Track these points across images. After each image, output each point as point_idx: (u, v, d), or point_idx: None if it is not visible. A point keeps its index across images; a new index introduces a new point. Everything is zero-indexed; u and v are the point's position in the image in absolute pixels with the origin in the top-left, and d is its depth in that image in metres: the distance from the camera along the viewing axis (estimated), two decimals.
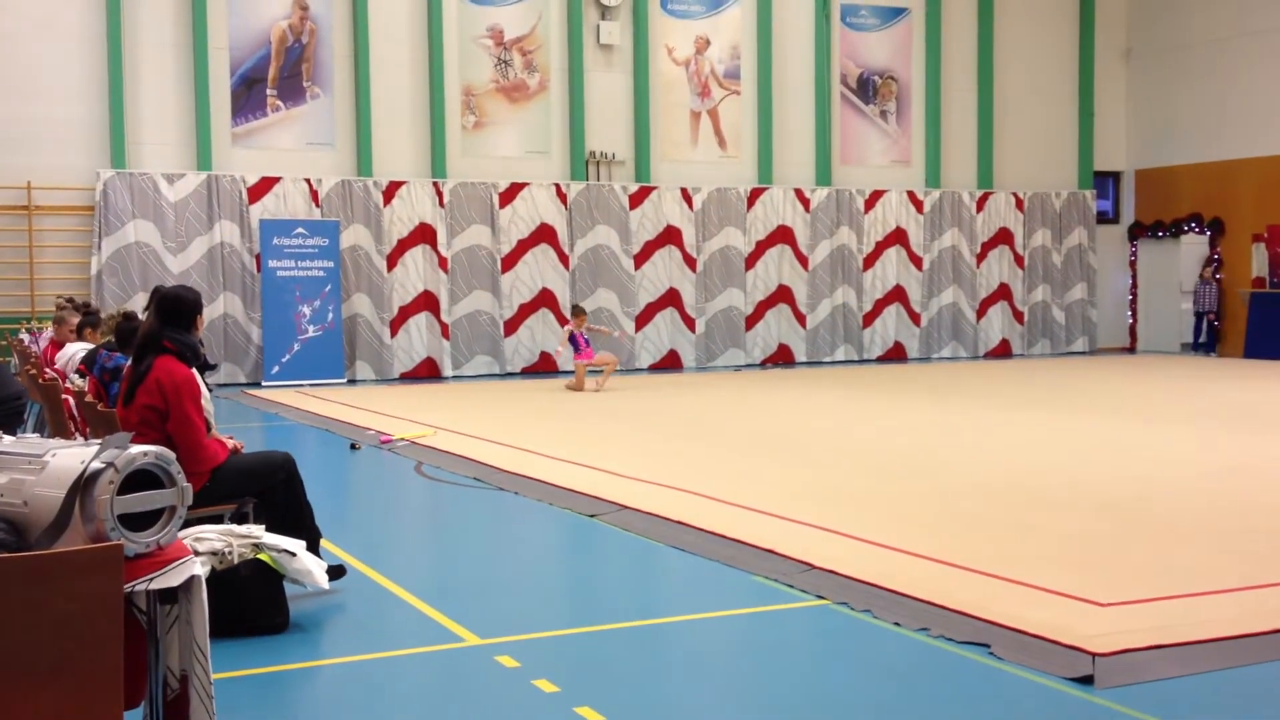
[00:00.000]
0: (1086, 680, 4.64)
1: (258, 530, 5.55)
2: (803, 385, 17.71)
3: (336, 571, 6.11)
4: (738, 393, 16.67)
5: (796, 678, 4.91)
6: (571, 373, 17.55)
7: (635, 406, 14.89)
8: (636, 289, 20.96)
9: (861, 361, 22.43)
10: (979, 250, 23.49)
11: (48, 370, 10.22)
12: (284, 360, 18.51)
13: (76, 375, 9.03)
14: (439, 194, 19.78)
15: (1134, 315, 24.96)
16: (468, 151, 20.28)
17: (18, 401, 7.82)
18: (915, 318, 22.99)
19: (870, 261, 22.65)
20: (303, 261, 18.64)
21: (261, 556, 5.40)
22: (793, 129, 22.36)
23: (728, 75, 21.97)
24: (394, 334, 19.56)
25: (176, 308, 5.97)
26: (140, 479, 3.17)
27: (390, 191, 19.53)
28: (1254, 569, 6.26)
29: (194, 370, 5.93)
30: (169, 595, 3.26)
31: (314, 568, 5.59)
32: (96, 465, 3.09)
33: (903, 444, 11.26)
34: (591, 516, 8.01)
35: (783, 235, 21.95)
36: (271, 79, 19.19)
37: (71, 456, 3.14)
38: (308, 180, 19.11)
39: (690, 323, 21.35)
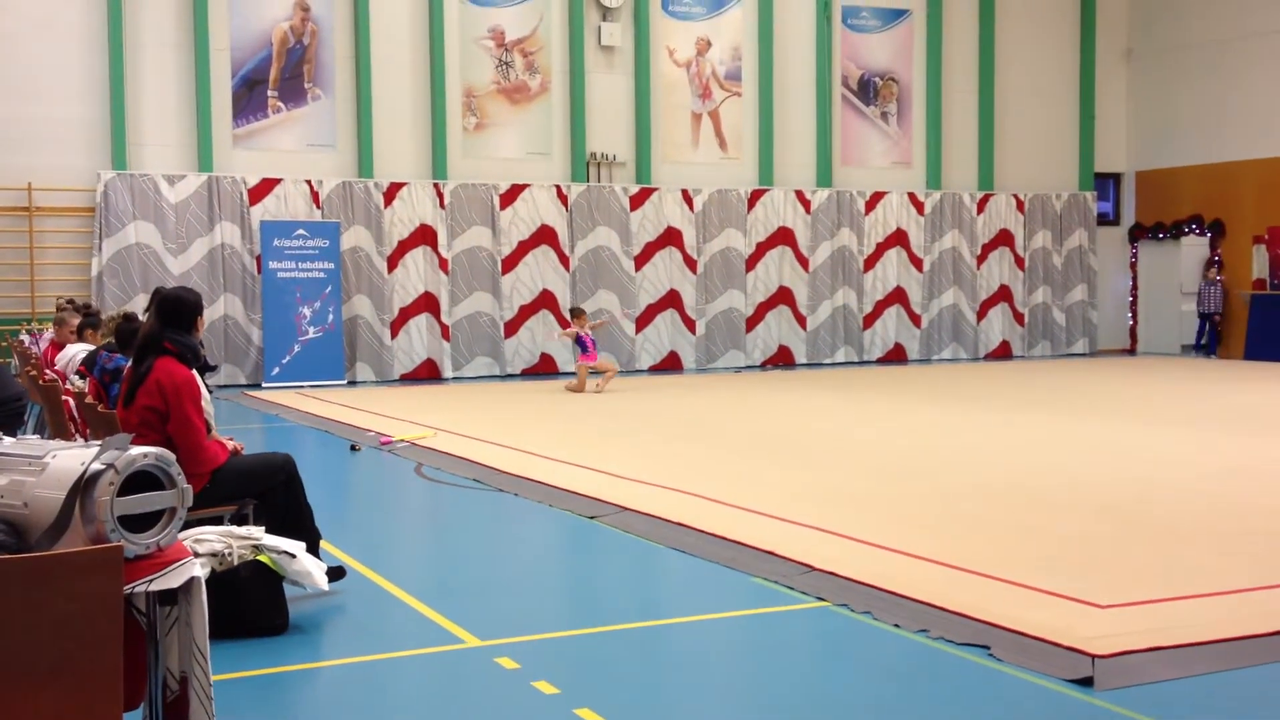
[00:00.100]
0: (1086, 682, 4.64)
1: (257, 532, 5.55)
2: (803, 387, 17.71)
3: (336, 573, 6.11)
4: (738, 394, 16.67)
5: (796, 679, 4.91)
6: (570, 374, 17.55)
7: (635, 408, 14.89)
8: (637, 290, 20.97)
9: (862, 363, 22.43)
10: (979, 252, 23.49)
11: (48, 371, 10.22)
12: (284, 361, 18.52)
13: (77, 376, 9.03)
14: (440, 195, 19.78)
15: (1134, 317, 24.96)
16: (468, 153, 20.28)
17: (18, 403, 7.83)
18: (915, 319, 23.00)
19: (871, 263, 22.65)
20: (303, 263, 18.65)
21: (261, 558, 5.41)
22: (793, 130, 22.37)
23: (729, 77, 21.98)
24: (394, 335, 19.57)
25: (177, 309, 5.97)
26: (140, 480, 3.18)
27: (391, 193, 19.54)
28: (1254, 571, 6.26)
29: (194, 371, 5.93)
30: (169, 597, 3.26)
31: (314, 569, 5.59)
32: (97, 467, 3.09)
33: (903, 445, 11.27)
34: (591, 518, 8.01)
35: (783, 237, 21.95)
36: (272, 80, 19.20)
37: (72, 458, 3.14)
38: (308, 181, 19.12)
39: (690, 324, 21.35)
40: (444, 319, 19.74)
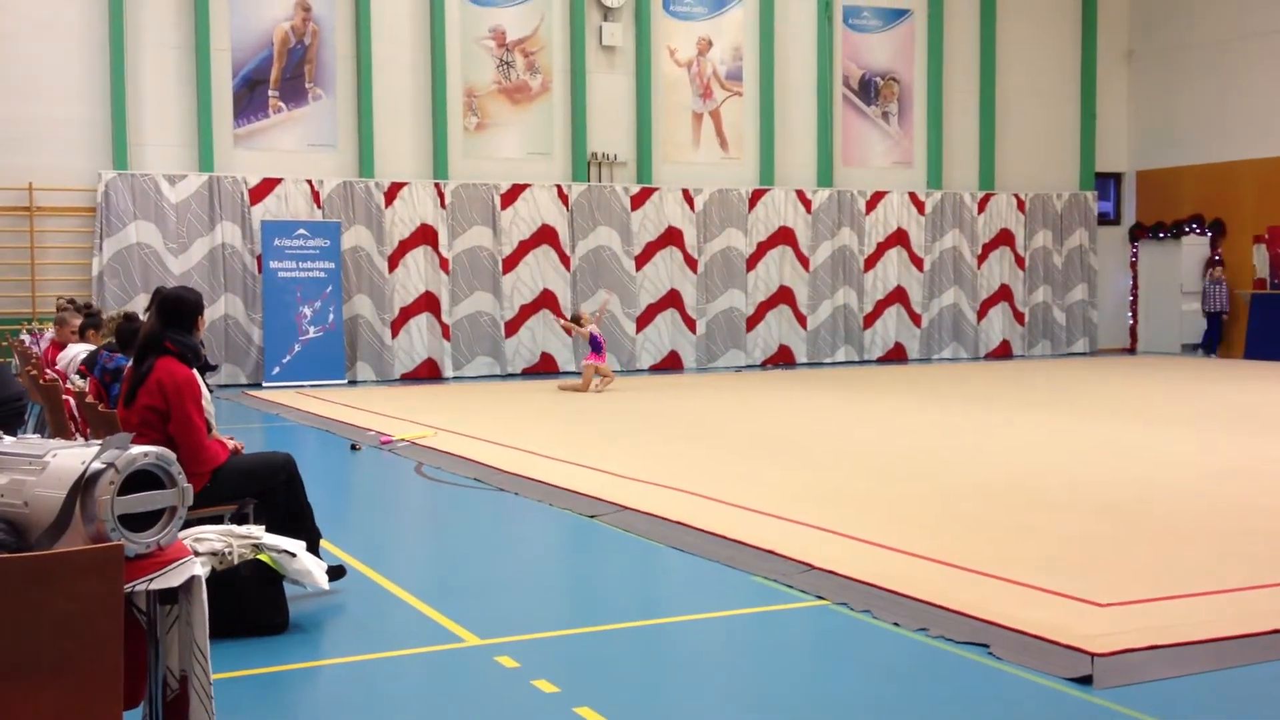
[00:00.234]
0: (1085, 680, 4.64)
1: (258, 531, 5.56)
2: (803, 386, 17.71)
3: (336, 572, 6.12)
4: (738, 394, 16.67)
5: (796, 678, 4.91)
6: (567, 374, 17.53)
7: (636, 407, 14.90)
8: (637, 290, 20.97)
9: (862, 362, 22.43)
10: (980, 251, 23.49)
11: (48, 371, 10.23)
12: (285, 361, 18.52)
13: (77, 376, 9.04)
14: (440, 195, 19.79)
15: (1135, 316, 24.96)
16: (469, 153, 20.29)
17: (18, 402, 7.83)
18: (916, 319, 23.00)
19: (871, 263, 22.65)
20: (304, 262, 18.65)
21: (261, 557, 5.41)
22: (794, 130, 22.37)
23: (729, 76, 21.98)
24: (395, 335, 19.57)
25: (178, 309, 5.98)
26: (141, 479, 3.18)
27: (392, 193, 19.54)
28: (1253, 570, 6.26)
29: (195, 371, 5.94)
30: (169, 595, 3.27)
31: (314, 568, 5.60)
32: (97, 466, 3.10)
33: (903, 445, 11.27)
34: (592, 517, 8.01)
35: (784, 236, 21.95)
36: (273, 80, 19.20)
37: (72, 457, 3.15)
38: (309, 181, 19.12)
39: (691, 323, 21.35)
40: (444, 319, 19.75)
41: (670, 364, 21.17)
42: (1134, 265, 24.95)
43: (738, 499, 8.26)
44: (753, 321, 21.80)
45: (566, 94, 20.76)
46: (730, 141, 22.02)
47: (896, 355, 22.80)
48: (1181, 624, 5.28)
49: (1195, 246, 23.70)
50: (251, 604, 5.34)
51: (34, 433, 9.98)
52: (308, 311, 18.60)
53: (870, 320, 22.66)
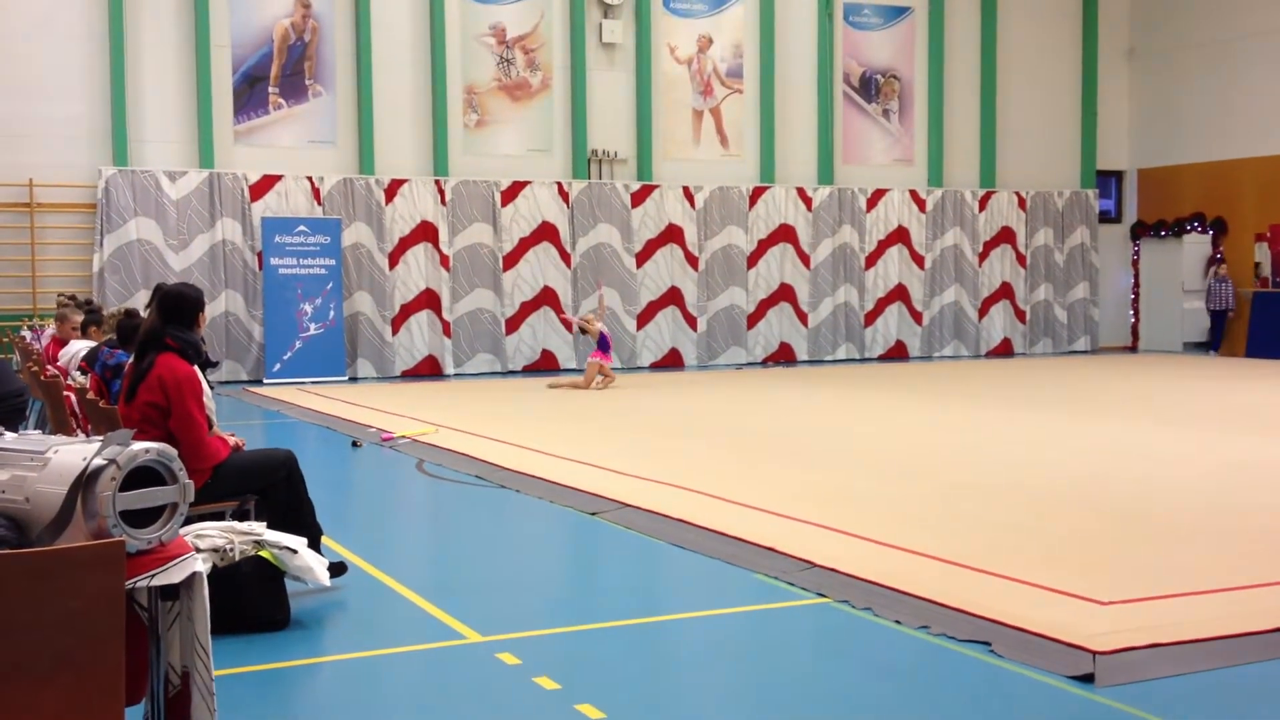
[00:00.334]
0: (1087, 679, 4.64)
1: (259, 527, 5.56)
2: (804, 384, 17.71)
3: (338, 569, 6.11)
4: (739, 391, 16.67)
5: (797, 675, 4.91)
6: (567, 371, 17.51)
7: (637, 405, 14.89)
8: (638, 287, 20.97)
9: (863, 360, 22.42)
10: (981, 249, 23.48)
11: (50, 367, 10.23)
12: (285, 358, 18.52)
13: (78, 372, 9.04)
14: (441, 192, 19.78)
15: (1136, 314, 24.95)
16: (469, 150, 20.28)
17: (19, 398, 7.82)
18: (917, 316, 22.99)
19: (872, 260, 22.65)
20: (304, 259, 18.65)
21: (263, 553, 5.41)
22: (795, 128, 22.36)
23: (730, 74, 21.97)
24: (395, 332, 19.57)
25: (178, 305, 5.98)
26: (142, 476, 3.18)
27: (392, 189, 19.54)
28: (1254, 568, 6.26)
29: (196, 368, 5.94)
30: (171, 592, 3.26)
31: (315, 565, 5.60)
32: (98, 462, 3.09)
33: (904, 443, 11.27)
34: (593, 514, 8.01)
35: (784, 234, 21.95)
36: (273, 77, 19.19)
37: (73, 453, 3.14)
38: (309, 178, 19.12)
39: (692, 321, 21.35)
40: (445, 315, 19.75)
41: (671, 361, 21.17)
42: (1135, 263, 24.95)
43: (739, 496, 8.26)
44: (753, 319, 21.80)
45: (567, 91, 20.75)
46: (731, 139, 22.01)
47: (897, 353, 22.80)
48: (1183, 622, 5.27)
49: (1197, 245, 23.70)
50: (253, 600, 5.34)
51: (35, 429, 9.97)
52: (308, 308, 18.60)
53: (871, 318, 22.65)
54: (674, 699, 4.67)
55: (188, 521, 4.64)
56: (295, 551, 5.51)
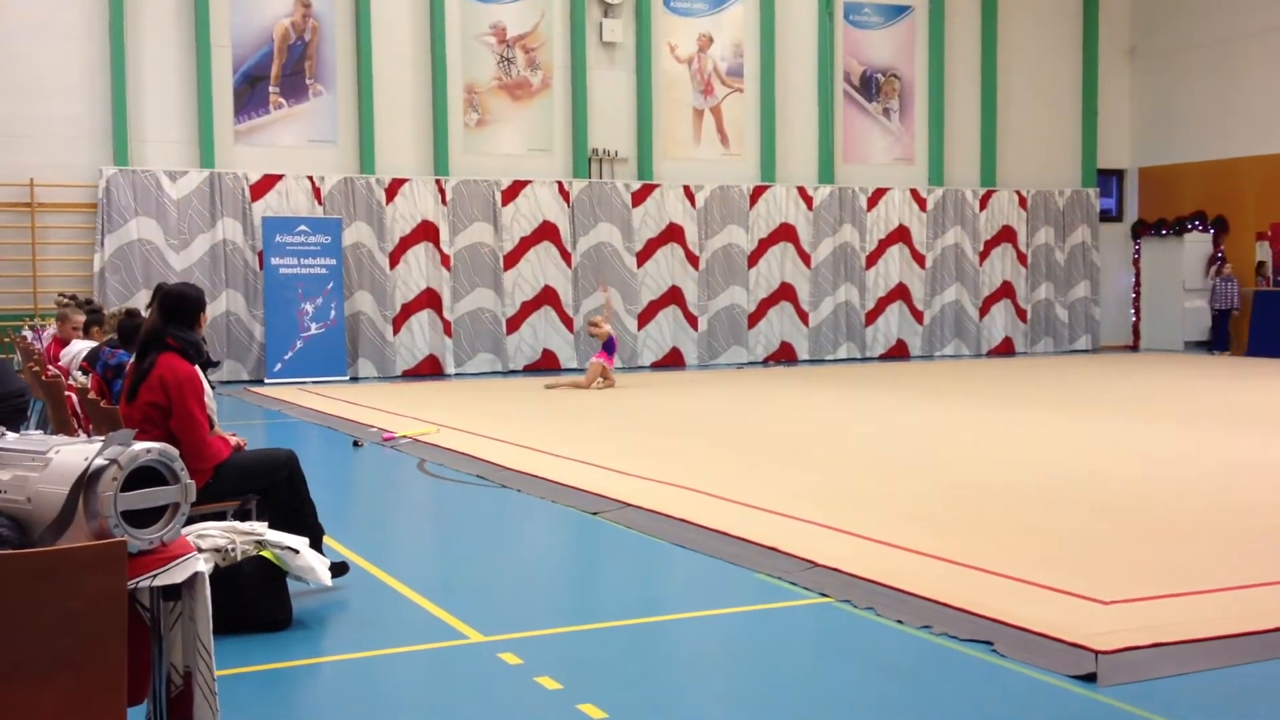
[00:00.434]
0: (1089, 678, 4.63)
1: (260, 527, 5.55)
2: (805, 383, 17.70)
3: (339, 568, 6.11)
4: (740, 391, 16.66)
5: (799, 675, 4.91)
6: (568, 370, 17.49)
7: (638, 404, 14.89)
8: (639, 287, 20.96)
9: (864, 359, 22.42)
10: (982, 248, 23.48)
11: (51, 367, 10.23)
12: (286, 358, 18.52)
13: (79, 372, 9.03)
14: (441, 191, 19.78)
15: (1137, 313, 24.95)
16: (470, 149, 20.28)
17: (20, 398, 7.81)
18: (918, 316, 22.99)
19: (873, 259, 22.64)
20: (305, 259, 18.65)
21: (264, 553, 5.41)
22: (795, 127, 22.35)
23: (730, 73, 21.96)
24: (396, 331, 19.57)
25: (179, 305, 5.97)
26: (144, 476, 3.17)
27: (393, 189, 19.54)
28: (1256, 567, 6.25)
29: (197, 367, 5.93)
30: (172, 592, 3.26)
31: (317, 565, 5.59)
32: (100, 462, 3.09)
33: (905, 442, 11.26)
34: (594, 514, 8.01)
35: (785, 233, 21.94)
36: (274, 76, 19.19)
37: (75, 453, 3.14)
38: (310, 178, 19.12)
39: (693, 320, 21.35)
40: (446, 315, 19.74)
41: (672, 361, 21.17)
42: (1136, 262, 24.94)
43: (740, 496, 8.25)
44: (754, 318, 21.80)
45: (567, 90, 20.75)
46: (731, 138, 22.00)
47: (898, 352, 22.79)
48: (1186, 621, 5.27)
49: (1198, 243, 23.69)
50: (255, 600, 5.34)
51: (36, 429, 9.97)
52: (309, 308, 18.60)
53: (872, 317, 22.65)
54: (676, 699, 4.67)
55: (189, 521, 4.64)
56: (297, 551, 5.51)
